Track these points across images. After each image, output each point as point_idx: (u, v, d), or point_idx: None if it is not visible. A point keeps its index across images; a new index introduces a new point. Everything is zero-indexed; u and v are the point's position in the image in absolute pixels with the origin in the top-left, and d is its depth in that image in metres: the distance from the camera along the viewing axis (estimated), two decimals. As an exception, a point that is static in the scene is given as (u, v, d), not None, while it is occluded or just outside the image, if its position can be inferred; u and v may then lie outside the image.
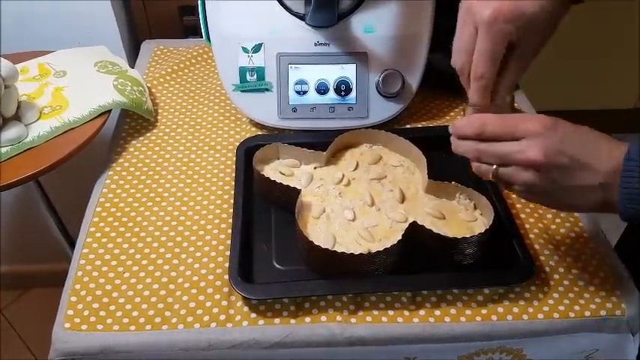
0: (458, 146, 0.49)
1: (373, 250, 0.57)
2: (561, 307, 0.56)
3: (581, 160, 0.43)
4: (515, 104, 0.80)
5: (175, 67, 0.89)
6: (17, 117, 0.72)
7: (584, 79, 1.64)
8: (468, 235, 0.57)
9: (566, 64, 1.54)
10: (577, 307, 0.56)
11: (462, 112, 0.53)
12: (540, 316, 0.56)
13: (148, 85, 0.85)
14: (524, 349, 0.58)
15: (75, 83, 0.79)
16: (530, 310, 0.56)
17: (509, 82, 0.50)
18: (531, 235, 0.63)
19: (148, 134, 0.77)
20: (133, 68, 0.85)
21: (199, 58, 0.92)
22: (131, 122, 0.79)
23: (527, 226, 0.64)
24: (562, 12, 0.49)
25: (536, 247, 0.62)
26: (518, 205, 0.67)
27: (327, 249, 0.56)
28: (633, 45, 1.53)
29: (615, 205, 0.43)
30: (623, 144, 0.43)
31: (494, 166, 0.46)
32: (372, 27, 0.72)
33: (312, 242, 0.56)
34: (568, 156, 0.43)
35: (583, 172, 0.43)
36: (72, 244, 0.98)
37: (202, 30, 0.76)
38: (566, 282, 0.59)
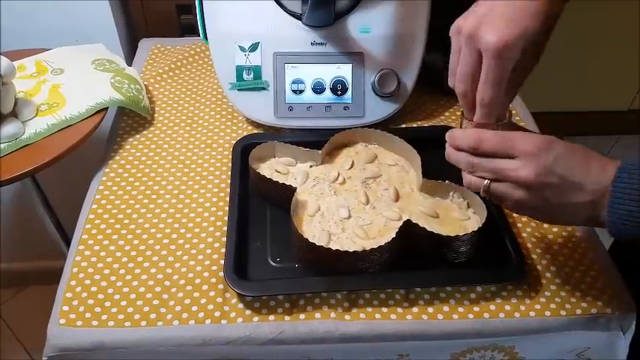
0: (452, 155, 0.50)
1: (367, 248, 0.57)
2: (553, 306, 0.57)
3: (571, 180, 0.44)
4: (513, 111, 0.81)
5: (172, 66, 0.90)
6: (14, 114, 0.72)
7: (580, 81, 1.65)
8: (461, 234, 0.58)
9: (562, 65, 1.55)
10: (568, 306, 0.57)
11: (459, 120, 0.53)
12: (532, 314, 0.56)
13: (145, 83, 0.86)
14: (516, 347, 0.59)
15: (72, 81, 0.79)
16: (522, 308, 0.57)
17: (509, 101, 0.51)
18: (524, 234, 0.64)
19: (144, 132, 0.78)
20: (130, 66, 0.85)
21: (196, 57, 0.92)
22: (128, 120, 0.80)
23: (519, 224, 0.65)
24: (557, 17, 0.49)
25: (529, 245, 0.63)
26: (511, 205, 0.67)
27: (322, 246, 0.57)
28: (631, 46, 1.54)
29: (604, 222, 0.44)
30: (614, 163, 0.44)
31: (487, 181, 0.47)
32: (369, 27, 0.73)
33: (307, 240, 0.57)
34: (558, 175, 0.44)
35: (573, 191, 0.44)
36: (68, 242, 0.98)
37: (199, 28, 0.76)
38: (557, 280, 0.59)
